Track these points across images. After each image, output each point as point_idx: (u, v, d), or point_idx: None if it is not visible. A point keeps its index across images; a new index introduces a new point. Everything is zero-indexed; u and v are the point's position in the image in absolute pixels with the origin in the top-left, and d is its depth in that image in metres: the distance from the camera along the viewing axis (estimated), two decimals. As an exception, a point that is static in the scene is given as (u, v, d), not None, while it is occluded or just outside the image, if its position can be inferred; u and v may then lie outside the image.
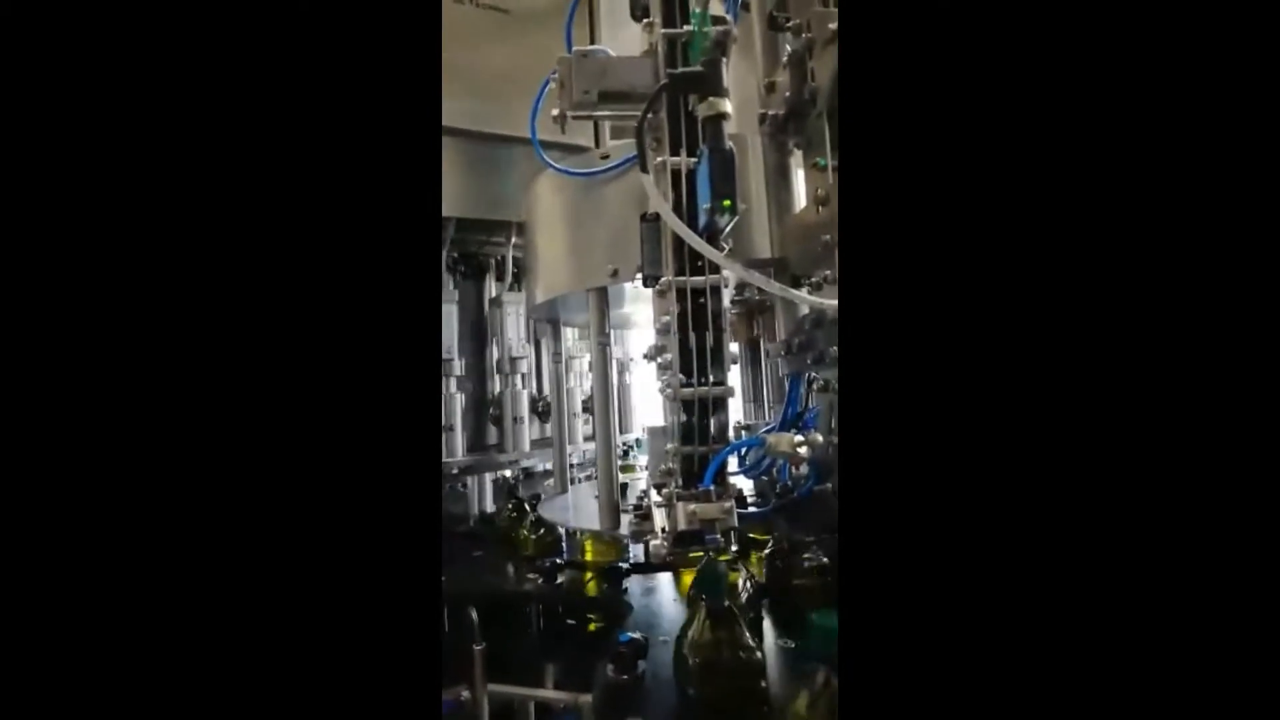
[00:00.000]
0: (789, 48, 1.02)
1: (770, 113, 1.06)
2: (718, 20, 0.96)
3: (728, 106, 0.81)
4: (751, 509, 1.16)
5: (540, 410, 1.94)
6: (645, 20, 1.01)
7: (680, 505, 0.87)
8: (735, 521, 0.88)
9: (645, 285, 1.02)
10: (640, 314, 1.71)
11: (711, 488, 0.90)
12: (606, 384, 1.22)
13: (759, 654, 0.73)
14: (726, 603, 0.74)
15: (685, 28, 0.91)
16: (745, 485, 1.30)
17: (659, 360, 0.98)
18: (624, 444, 2.15)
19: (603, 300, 1.17)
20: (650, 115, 0.90)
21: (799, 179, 1.16)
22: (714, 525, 0.86)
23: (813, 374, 1.11)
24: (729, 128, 0.87)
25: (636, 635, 1.03)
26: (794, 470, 1.16)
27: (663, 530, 1.00)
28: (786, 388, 1.16)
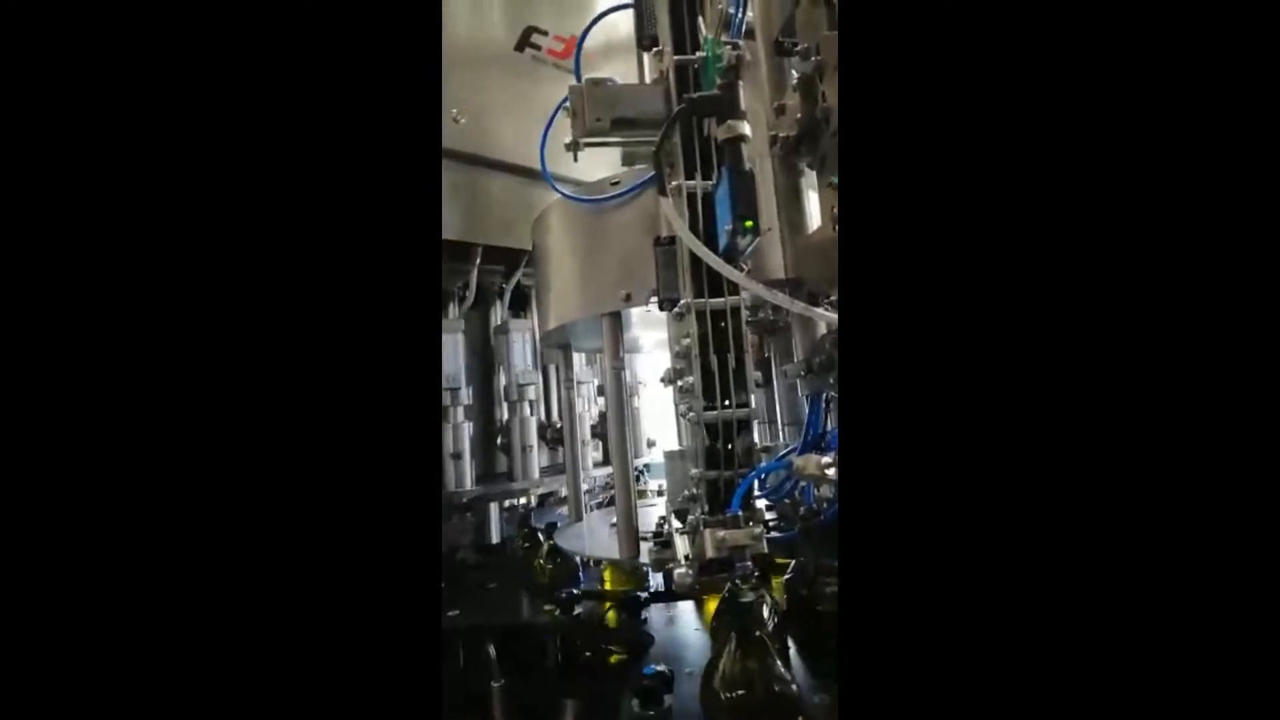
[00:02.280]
0: (795, 72, 1.03)
1: (781, 135, 1.07)
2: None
3: (746, 129, 0.81)
4: (775, 533, 1.14)
5: (549, 438, 1.92)
6: (655, 49, 1.02)
7: (708, 532, 0.85)
8: (765, 547, 0.86)
9: (662, 309, 1.01)
10: (647, 338, 1.70)
11: (739, 513, 0.88)
12: (622, 409, 1.20)
13: (794, 686, 0.70)
14: (758, 633, 0.70)
15: (697, 54, 0.92)
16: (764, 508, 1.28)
17: (679, 384, 0.97)
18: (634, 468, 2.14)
19: (616, 325, 1.17)
20: (665, 140, 0.90)
21: (811, 199, 1.16)
22: (744, 552, 0.84)
23: (833, 394, 1.10)
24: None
25: (662, 668, 1.00)
26: (817, 492, 1.14)
27: (686, 558, 0.97)
28: (806, 408, 1.15)
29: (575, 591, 1.29)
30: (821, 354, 1.07)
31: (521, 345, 1.82)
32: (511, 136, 1.71)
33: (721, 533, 0.84)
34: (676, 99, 0.91)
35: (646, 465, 2.22)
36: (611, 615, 1.23)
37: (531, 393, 1.81)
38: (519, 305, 1.97)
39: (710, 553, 0.84)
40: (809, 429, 1.12)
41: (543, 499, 1.99)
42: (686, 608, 1.31)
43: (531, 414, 1.82)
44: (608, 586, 1.29)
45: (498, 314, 1.90)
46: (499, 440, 1.83)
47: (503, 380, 1.85)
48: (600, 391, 2.05)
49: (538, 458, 1.80)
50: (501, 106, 1.72)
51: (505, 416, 1.83)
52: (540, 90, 1.73)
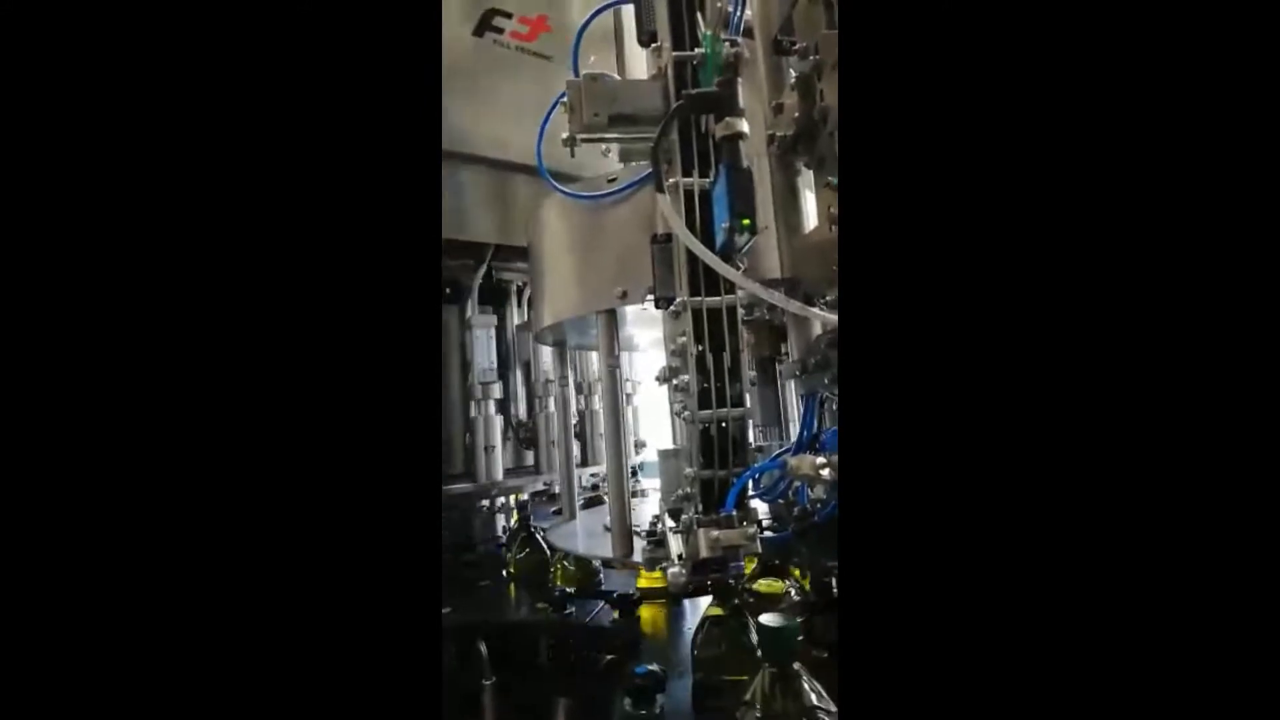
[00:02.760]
0: (794, 71, 1.03)
1: (779, 134, 1.07)
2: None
3: (744, 126, 0.81)
4: (769, 533, 1.14)
5: (522, 437, 1.90)
6: (654, 45, 1.02)
7: (702, 531, 0.85)
8: (759, 547, 0.86)
9: (658, 307, 1.00)
10: (641, 337, 1.70)
11: (734, 512, 0.87)
12: (617, 407, 1.20)
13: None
14: (796, 665, 0.64)
15: (696, 50, 0.91)
16: (760, 508, 1.27)
17: (675, 383, 0.97)
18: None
19: (612, 323, 1.16)
20: (663, 136, 0.90)
21: (808, 199, 1.16)
22: (738, 551, 0.84)
23: (827, 394, 1.10)
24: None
25: (654, 667, 0.99)
26: (811, 493, 1.14)
27: (679, 557, 0.97)
28: (801, 408, 1.15)
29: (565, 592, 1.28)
30: (817, 354, 1.07)
31: (486, 342, 1.78)
32: (472, 125, 1.67)
33: (716, 532, 0.83)
34: (675, 95, 0.90)
35: (641, 464, 2.22)
36: (645, 612, 1.22)
37: (496, 391, 1.77)
38: (496, 300, 1.94)
39: (704, 552, 0.83)
40: (804, 429, 1.12)
41: (534, 497, 1.98)
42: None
43: (497, 413, 1.78)
44: (642, 585, 1.28)
45: (473, 308, 1.88)
46: (465, 438, 1.80)
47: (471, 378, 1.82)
48: (578, 389, 2.04)
49: (501, 458, 1.77)
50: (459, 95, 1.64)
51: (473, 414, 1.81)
52: (502, 79, 1.69)
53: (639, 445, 2.21)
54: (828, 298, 1.03)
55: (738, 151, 0.78)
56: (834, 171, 0.97)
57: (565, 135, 0.96)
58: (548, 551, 1.42)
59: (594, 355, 1.97)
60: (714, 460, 0.91)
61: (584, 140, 0.97)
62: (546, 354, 1.87)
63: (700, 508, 0.92)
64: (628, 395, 2.15)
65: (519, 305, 1.94)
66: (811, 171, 1.10)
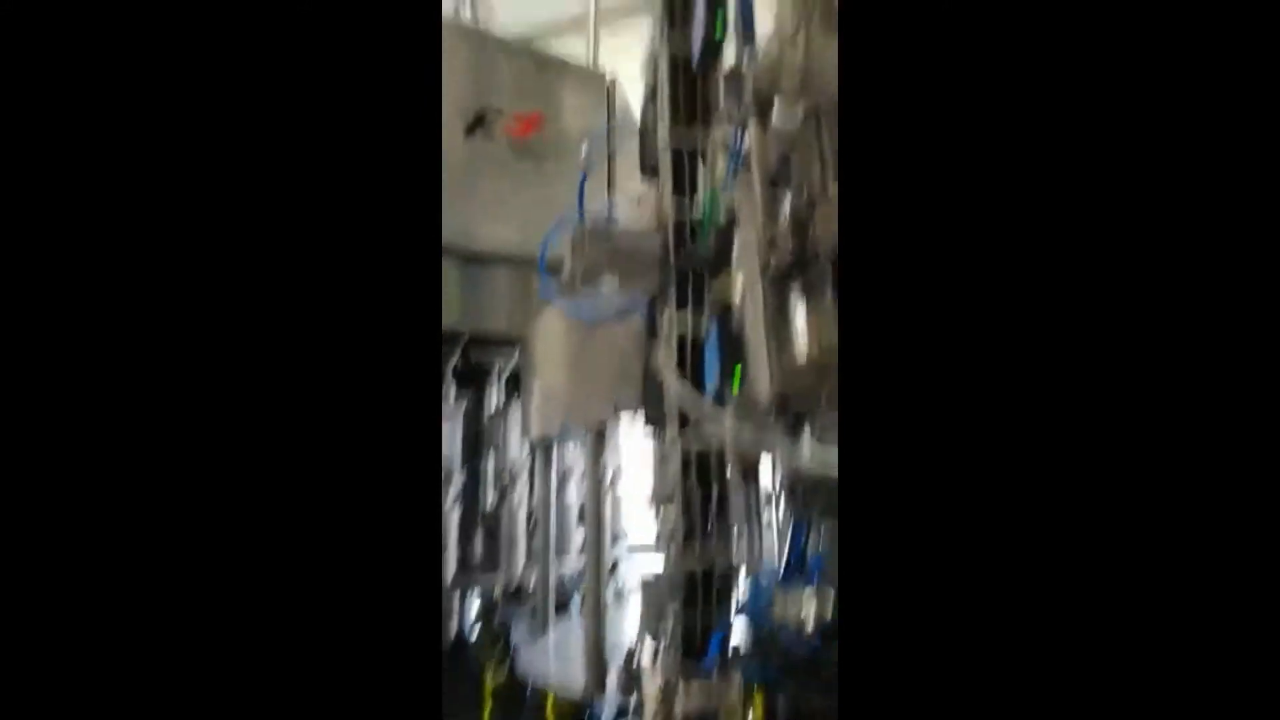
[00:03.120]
0: (789, 204, 1.07)
1: (773, 261, 1.09)
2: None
3: (738, 288, 0.83)
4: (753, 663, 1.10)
5: (485, 528, 1.84)
6: (653, 176, 1.05)
7: (682, 687, 0.82)
8: (740, 704, 0.84)
9: (648, 423, 1.01)
10: (625, 444, 1.68)
11: (715, 659, 0.85)
12: (600, 523, 1.18)
13: None
14: None
15: (696, 198, 0.95)
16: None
17: (660, 516, 0.96)
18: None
19: (600, 443, 1.16)
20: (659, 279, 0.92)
21: (799, 321, 1.18)
22: (716, 711, 0.81)
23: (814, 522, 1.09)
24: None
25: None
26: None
27: (656, 696, 0.94)
28: (789, 533, 1.14)
29: None
30: (805, 482, 1.07)
31: (451, 433, 1.71)
32: (464, 221, 1.67)
33: (696, 690, 0.81)
34: (675, 253, 0.93)
35: (627, 546, 2.15)
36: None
37: (456, 481, 1.71)
38: (476, 381, 1.90)
39: (684, 711, 0.81)
40: (790, 555, 1.11)
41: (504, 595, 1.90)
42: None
43: (457, 502, 1.72)
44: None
45: (448, 396, 1.82)
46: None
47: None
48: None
49: (455, 553, 1.69)
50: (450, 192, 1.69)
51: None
52: (494, 177, 1.73)
53: (616, 537, 2.15)
54: (817, 427, 1.03)
55: (730, 307, 0.81)
56: (825, 298, 0.99)
57: (566, 273, 0.98)
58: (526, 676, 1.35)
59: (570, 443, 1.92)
60: (697, 603, 0.90)
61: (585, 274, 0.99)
62: (514, 442, 1.83)
63: (681, 650, 0.90)
64: (608, 482, 2.12)
65: (499, 387, 1.90)
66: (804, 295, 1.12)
